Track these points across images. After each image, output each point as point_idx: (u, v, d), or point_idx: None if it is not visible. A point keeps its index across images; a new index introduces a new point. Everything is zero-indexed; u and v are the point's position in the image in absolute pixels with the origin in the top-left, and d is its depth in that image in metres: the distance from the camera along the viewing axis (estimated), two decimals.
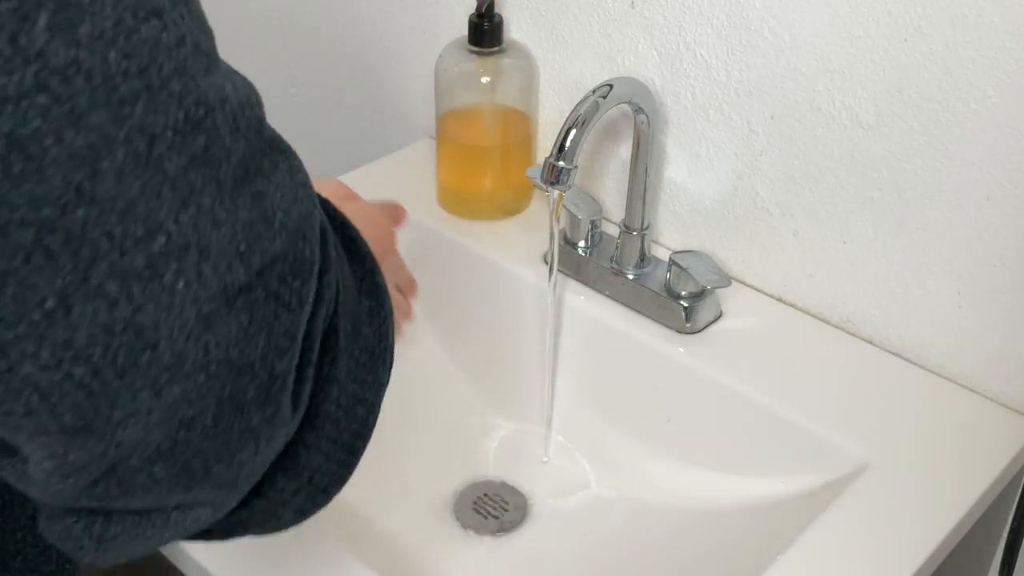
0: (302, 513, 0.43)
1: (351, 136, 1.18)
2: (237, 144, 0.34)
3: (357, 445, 0.43)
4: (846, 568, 0.63)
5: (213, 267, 0.33)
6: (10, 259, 0.29)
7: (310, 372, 0.38)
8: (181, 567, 0.66)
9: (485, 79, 0.91)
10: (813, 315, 0.84)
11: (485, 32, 0.89)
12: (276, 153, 0.37)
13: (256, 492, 0.39)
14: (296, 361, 0.37)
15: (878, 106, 0.73)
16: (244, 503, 0.39)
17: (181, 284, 0.32)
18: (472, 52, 0.90)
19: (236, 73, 0.36)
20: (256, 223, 0.34)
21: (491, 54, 0.90)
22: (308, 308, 0.37)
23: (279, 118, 1.34)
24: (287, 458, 0.39)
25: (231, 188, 0.34)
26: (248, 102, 0.35)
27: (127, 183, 0.30)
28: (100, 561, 0.38)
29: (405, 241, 0.95)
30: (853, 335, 0.82)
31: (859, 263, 0.79)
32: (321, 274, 0.38)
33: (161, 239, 0.31)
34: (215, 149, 0.33)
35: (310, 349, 0.38)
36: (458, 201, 0.96)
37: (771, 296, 0.86)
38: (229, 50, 1.25)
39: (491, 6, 0.88)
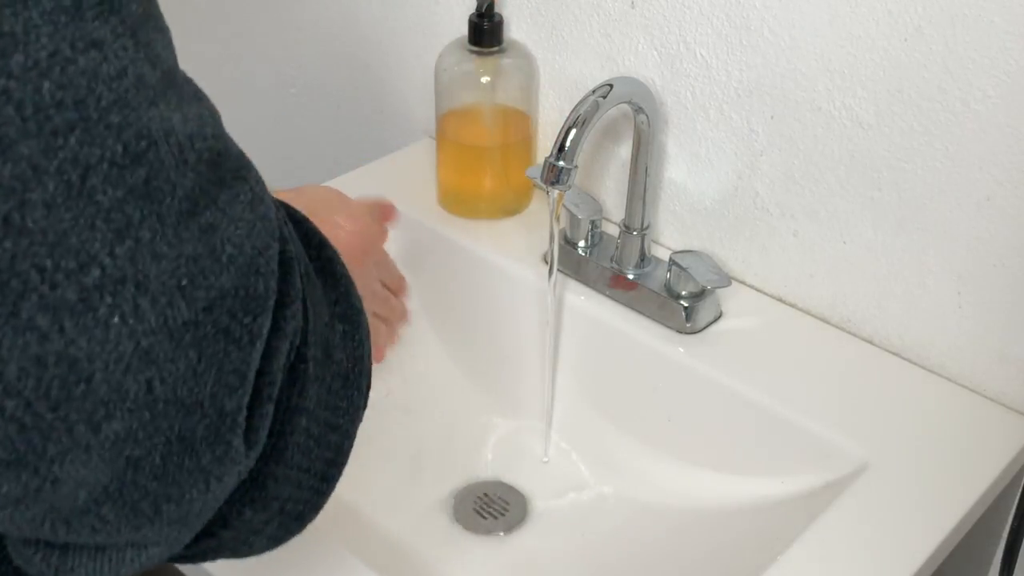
0: (275, 540, 0.42)
1: (351, 136, 1.18)
2: (184, 177, 0.33)
3: (331, 472, 0.42)
4: (846, 568, 0.63)
5: (151, 301, 0.32)
6: None
7: (270, 408, 0.37)
8: (181, 567, 0.66)
9: (485, 79, 0.91)
10: (813, 315, 0.84)
11: (485, 32, 0.89)
12: (237, 183, 0.36)
13: (223, 523, 0.39)
14: (247, 399, 0.36)
15: (878, 106, 0.73)
16: (211, 534, 0.39)
17: (116, 318, 0.31)
18: (472, 52, 0.90)
19: (194, 101, 0.35)
20: (202, 258, 0.33)
21: (491, 54, 0.90)
22: (261, 344, 0.36)
23: (279, 118, 1.35)
24: (254, 490, 0.39)
25: (175, 222, 0.33)
26: (199, 134, 0.34)
27: (57, 215, 0.30)
28: None
29: (405, 241, 0.96)
30: (853, 335, 0.82)
31: (859, 263, 0.79)
32: (283, 307, 0.37)
33: (95, 272, 0.31)
34: (158, 182, 0.32)
35: (271, 384, 0.37)
36: (458, 201, 0.96)
37: (771, 296, 0.86)
38: (229, 50, 1.26)
39: (491, 6, 0.88)
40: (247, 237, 0.35)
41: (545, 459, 0.87)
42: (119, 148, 0.31)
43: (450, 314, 0.94)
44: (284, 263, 0.38)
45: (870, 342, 0.81)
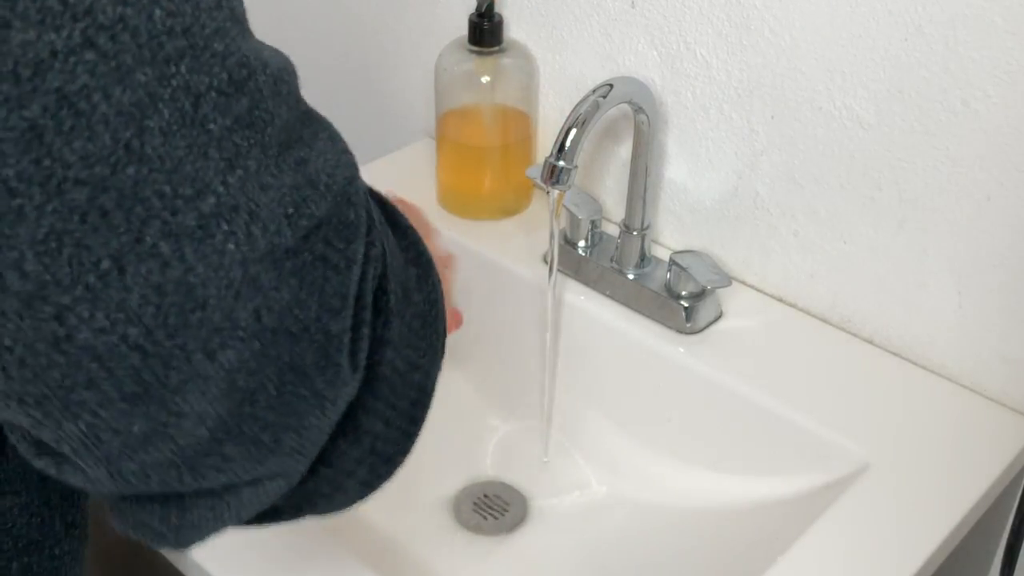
0: (367, 485, 0.43)
1: (351, 136, 1.17)
2: (280, 109, 0.34)
3: (417, 413, 0.43)
4: (846, 568, 0.63)
5: (263, 229, 0.33)
6: (67, 219, 0.29)
7: (365, 331, 0.38)
8: (181, 567, 0.66)
9: (485, 79, 0.91)
10: (813, 315, 0.84)
11: (485, 32, 0.89)
12: (314, 123, 0.37)
13: (321, 460, 0.39)
14: (350, 321, 0.36)
15: (878, 106, 0.73)
16: (311, 472, 0.39)
17: (231, 245, 0.32)
18: (472, 52, 0.90)
19: (267, 45, 0.36)
20: (302, 187, 0.34)
21: (491, 54, 0.90)
22: (357, 269, 0.36)
23: None
24: (348, 423, 0.39)
25: (276, 153, 0.34)
26: (286, 67, 0.36)
27: (174, 142, 0.30)
28: (178, 546, 0.38)
29: None
30: (853, 335, 0.82)
31: (859, 263, 0.79)
32: (367, 233, 0.38)
33: (211, 199, 0.31)
34: (259, 112, 0.33)
35: (363, 308, 0.37)
36: (458, 201, 0.96)
37: (771, 296, 0.86)
38: None
39: (491, 6, 0.88)
40: (336, 167, 0.36)
41: (545, 459, 0.87)
42: (225, 76, 0.32)
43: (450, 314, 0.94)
44: (365, 195, 0.39)
45: (870, 342, 0.81)
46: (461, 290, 0.93)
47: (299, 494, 0.40)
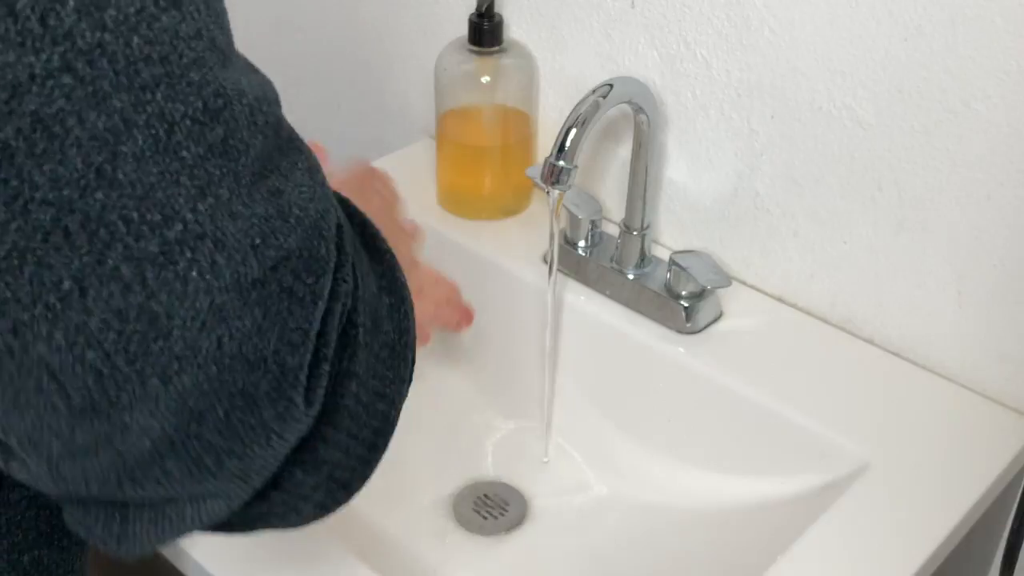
0: (323, 508, 0.43)
1: (351, 136, 1.18)
2: (255, 139, 0.34)
3: (378, 442, 0.43)
4: (846, 568, 0.63)
5: (227, 259, 0.33)
6: (30, 238, 0.30)
7: (326, 367, 0.38)
8: (181, 567, 0.66)
9: (485, 79, 0.91)
10: (813, 315, 0.84)
11: (485, 32, 0.89)
12: (294, 152, 0.37)
13: (275, 485, 0.39)
14: (309, 357, 0.37)
15: (878, 106, 0.73)
16: (263, 496, 0.39)
17: (195, 273, 0.32)
18: (472, 52, 0.90)
19: (253, 70, 0.37)
20: (272, 218, 0.34)
21: (491, 54, 0.90)
22: (323, 304, 0.37)
23: None
24: (306, 452, 0.39)
25: (248, 182, 0.34)
26: (265, 98, 0.36)
27: (146, 168, 0.31)
28: (122, 553, 0.38)
29: None
30: (853, 335, 0.82)
31: (859, 263, 0.79)
32: (337, 269, 0.38)
33: (178, 227, 0.32)
34: (233, 141, 0.33)
35: (326, 344, 0.38)
36: (458, 201, 0.96)
37: (771, 296, 0.86)
38: None
39: (491, 6, 0.88)
40: (310, 201, 0.36)
41: (545, 459, 0.87)
42: (200, 104, 0.32)
43: None
44: (337, 228, 0.39)
45: (870, 342, 0.81)
46: (462, 290, 0.93)
47: (250, 513, 0.40)
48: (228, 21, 0.36)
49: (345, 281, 0.38)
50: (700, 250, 0.85)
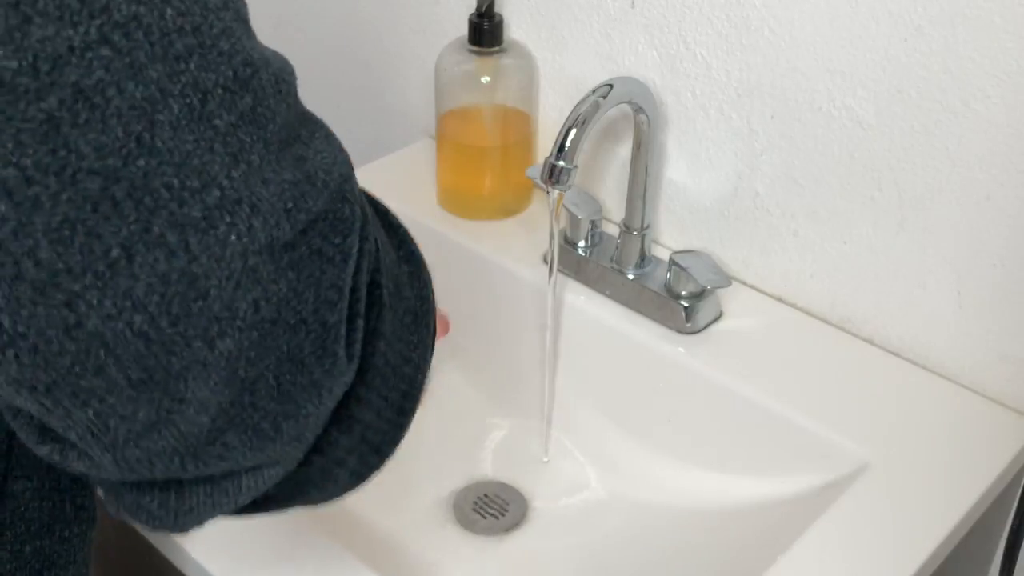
0: (357, 475, 0.44)
1: (351, 136, 1.17)
2: (280, 107, 0.35)
3: (407, 405, 0.44)
4: (846, 568, 0.63)
5: (263, 222, 0.34)
6: (80, 208, 0.30)
7: (360, 322, 0.39)
8: (181, 567, 0.66)
9: (485, 79, 0.91)
10: (813, 315, 0.84)
11: (485, 32, 0.89)
12: (311, 123, 0.38)
13: (314, 448, 0.40)
14: (346, 312, 0.37)
15: (878, 106, 0.73)
16: (304, 461, 0.40)
17: (233, 236, 0.33)
18: (472, 52, 0.90)
19: (267, 48, 0.37)
20: (300, 183, 0.35)
21: (491, 54, 0.90)
22: (352, 263, 0.37)
23: None
24: (341, 410, 0.40)
25: (277, 149, 0.35)
26: (285, 68, 0.37)
27: (182, 136, 0.32)
28: (175, 531, 0.39)
29: None
30: (853, 335, 0.82)
31: (859, 263, 0.79)
32: (361, 228, 0.39)
33: (216, 192, 0.32)
34: (261, 109, 0.34)
35: (358, 300, 0.38)
36: (458, 201, 0.96)
37: (771, 296, 0.86)
38: None
39: (491, 6, 0.88)
40: (333, 165, 0.37)
41: (545, 459, 0.87)
42: (230, 73, 0.33)
43: (450, 314, 0.93)
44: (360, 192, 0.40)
45: (870, 342, 0.81)
46: (462, 290, 0.93)
47: (292, 483, 0.41)
48: None
49: (368, 240, 0.39)
50: (700, 250, 0.85)
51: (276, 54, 0.37)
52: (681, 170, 0.86)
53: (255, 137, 0.34)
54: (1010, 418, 0.75)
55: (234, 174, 0.33)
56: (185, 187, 0.32)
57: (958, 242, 0.73)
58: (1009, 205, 0.70)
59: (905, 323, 0.79)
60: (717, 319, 0.83)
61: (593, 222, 0.87)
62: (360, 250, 0.38)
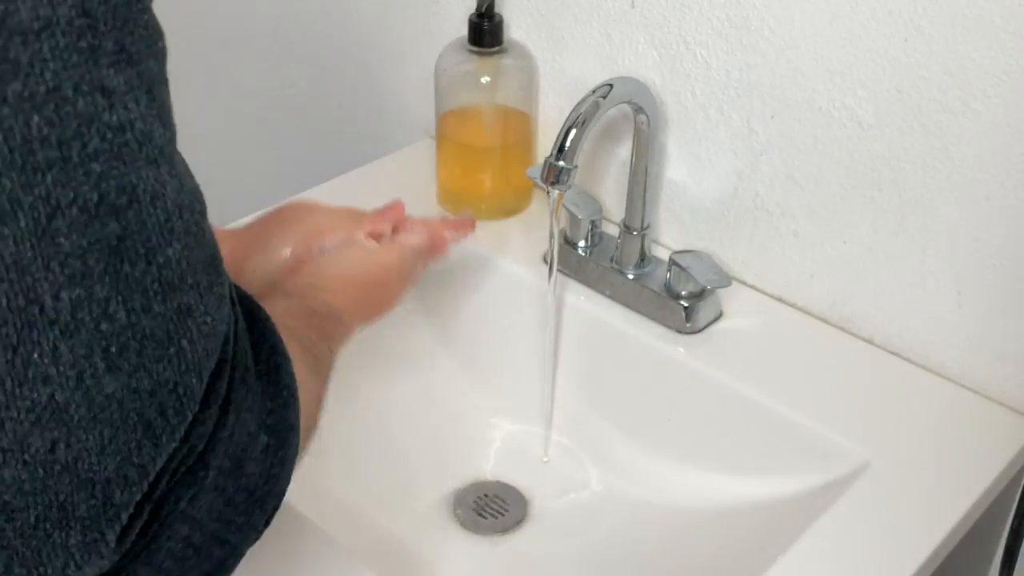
0: None
1: (351, 136, 1.18)
2: (168, 246, 0.33)
3: None
4: (846, 568, 0.63)
5: (72, 352, 0.31)
6: None
7: (147, 508, 0.35)
8: None
9: (485, 79, 0.91)
10: (813, 315, 0.84)
11: (485, 32, 0.89)
12: (214, 272, 0.36)
13: None
14: (138, 497, 0.34)
15: (878, 106, 0.73)
16: None
17: (36, 355, 0.31)
18: (472, 52, 0.90)
19: (188, 176, 0.35)
20: (153, 337, 0.33)
21: (491, 54, 0.90)
22: (173, 447, 0.35)
23: (279, 118, 1.35)
24: None
25: (143, 289, 0.32)
26: (190, 206, 0.34)
27: (22, 251, 0.30)
28: None
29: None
30: (853, 335, 0.82)
31: (859, 263, 0.79)
32: (200, 409, 0.36)
33: (34, 310, 0.30)
34: (132, 242, 0.32)
35: (155, 487, 0.35)
36: (458, 201, 0.96)
37: (771, 296, 0.86)
38: (229, 50, 1.26)
39: (491, 6, 0.88)
40: (206, 336, 0.35)
41: (545, 459, 0.87)
42: (94, 197, 0.31)
43: (450, 314, 0.94)
44: (219, 363, 0.37)
45: (870, 342, 0.81)
46: (462, 290, 0.93)
47: None
48: (172, 116, 0.34)
49: (202, 423, 0.36)
50: (700, 250, 0.85)
51: (189, 186, 0.35)
52: (681, 170, 0.86)
53: (111, 268, 0.31)
54: (1009, 418, 0.75)
55: (63, 296, 0.31)
56: (11, 303, 0.30)
57: (958, 242, 0.73)
58: (1009, 205, 0.70)
59: (905, 323, 0.79)
60: (717, 319, 0.83)
61: (593, 222, 0.87)
62: (187, 433, 0.35)
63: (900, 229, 0.76)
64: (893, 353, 0.80)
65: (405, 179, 1.01)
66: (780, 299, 0.85)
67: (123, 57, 0.31)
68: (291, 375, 0.43)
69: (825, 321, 0.83)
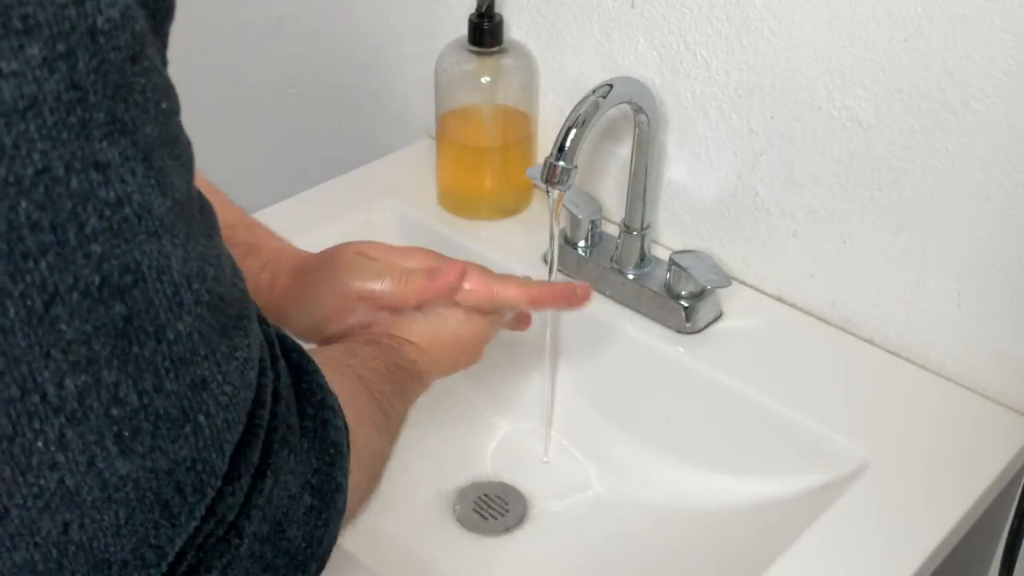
0: None
1: (351, 136, 1.18)
2: (179, 321, 0.31)
3: None
4: (846, 568, 0.63)
5: (81, 438, 0.30)
6: None
7: None
8: None
9: (485, 79, 0.91)
10: (813, 315, 0.84)
11: (485, 32, 0.89)
12: (238, 335, 0.34)
13: None
14: (165, 570, 0.33)
15: (878, 106, 0.73)
16: None
17: (40, 444, 0.29)
18: (472, 52, 0.90)
19: (203, 237, 0.33)
20: (167, 417, 0.31)
21: (491, 54, 0.90)
22: (194, 525, 0.33)
23: (279, 118, 1.35)
24: None
25: (155, 368, 0.31)
26: (199, 274, 0.32)
27: (13, 341, 0.28)
28: None
29: (405, 242, 0.95)
30: (853, 335, 0.82)
31: (859, 263, 0.79)
32: (226, 482, 0.34)
33: (34, 398, 0.29)
34: (140, 322, 0.30)
35: (179, 562, 0.34)
36: (458, 201, 0.96)
37: (771, 296, 0.86)
38: (229, 50, 1.26)
39: (491, 6, 0.88)
40: (226, 408, 0.33)
41: (545, 459, 0.87)
42: (95, 279, 0.29)
43: None
44: (249, 429, 0.35)
45: (870, 342, 0.81)
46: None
47: None
48: (185, 170, 0.33)
49: (232, 495, 0.35)
50: (700, 250, 0.85)
51: (203, 252, 0.33)
52: (681, 170, 0.86)
53: (119, 352, 0.30)
54: (1010, 418, 0.75)
55: (68, 383, 0.29)
56: (1, 394, 0.28)
57: (958, 242, 0.73)
58: (1009, 205, 0.70)
59: (905, 323, 0.79)
60: (717, 319, 0.83)
61: (593, 222, 0.87)
62: (212, 508, 0.33)
63: (900, 229, 0.76)
64: (893, 353, 0.80)
65: (405, 179, 1.01)
66: (780, 299, 0.85)
67: (116, 127, 0.29)
68: (339, 430, 0.41)
69: (825, 321, 0.83)
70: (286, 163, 1.25)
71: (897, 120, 0.73)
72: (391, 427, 0.53)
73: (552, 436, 0.87)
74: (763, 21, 0.76)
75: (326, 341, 0.65)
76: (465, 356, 0.67)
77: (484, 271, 0.67)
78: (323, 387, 0.41)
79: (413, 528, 0.81)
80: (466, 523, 0.82)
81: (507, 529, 0.82)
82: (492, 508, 0.83)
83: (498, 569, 0.79)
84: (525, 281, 0.69)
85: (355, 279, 0.65)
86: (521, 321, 0.73)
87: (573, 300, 0.69)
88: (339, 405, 0.42)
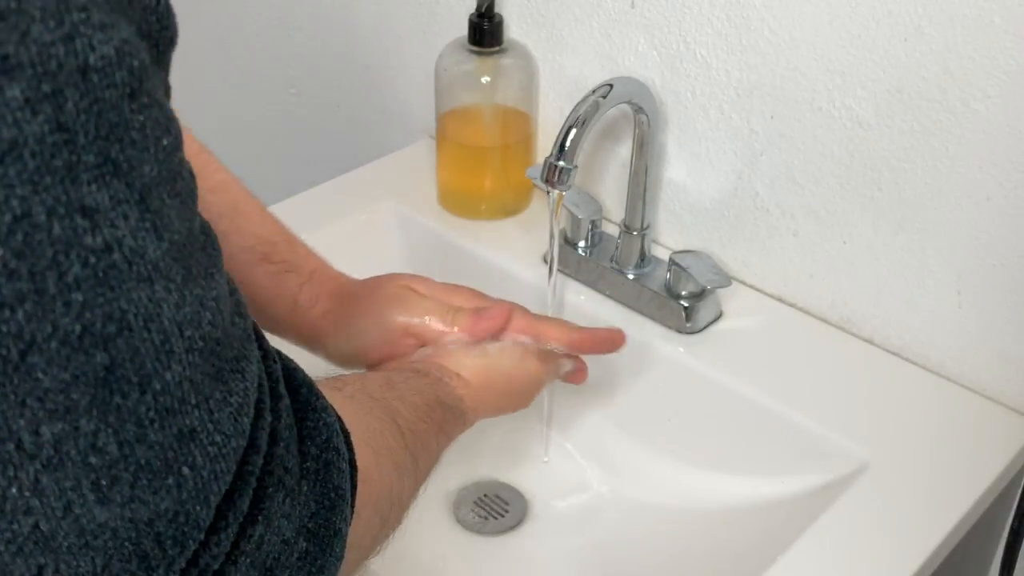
0: None
1: (351, 136, 1.18)
2: (167, 370, 0.30)
3: None
4: (846, 568, 0.63)
5: (60, 488, 0.29)
6: None
7: None
8: None
9: (485, 79, 0.91)
10: (813, 315, 0.84)
11: (485, 32, 0.89)
12: (234, 379, 0.33)
13: None
14: None
15: (878, 106, 0.73)
16: None
17: (14, 490, 0.28)
18: (472, 52, 0.90)
19: (205, 278, 0.32)
20: (149, 467, 0.30)
21: (491, 54, 0.90)
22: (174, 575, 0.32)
23: (279, 118, 1.35)
24: None
25: (137, 419, 0.30)
26: (194, 320, 0.31)
27: None
28: None
29: (405, 242, 0.96)
30: (853, 335, 0.82)
31: (859, 263, 0.79)
32: (210, 532, 0.33)
33: (9, 446, 0.28)
34: (124, 371, 0.29)
35: None
36: (458, 201, 0.96)
37: (771, 296, 0.86)
38: (229, 50, 1.26)
39: (491, 6, 0.88)
40: (214, 458, 0.32)
41: (545, 459, 0.87)
42: (76, 328, 0.28)
43: None
44: (240, 476, 0.34)
45: (870, 342, 0.81)
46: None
47: None
48: (187, 207, 0.31)
49: (216, 544, 0.33)
50: (700, 250, 0.85)
51: (202, 295, 0.31)
52: (681, 170, 0.86)
53: (99, 401, 0.29)
54: (1010, 418, 0.75)
55: (44, 431, 0.28)
56: None
57: (958, 242, 0.73)
58: (1009, 205, 0.70)
59: (905, 323, 0.79)
60: (717, 319, 0.83)
61: (593, 222, 0.87)
62: (193, 559, 0.32)
63: (900, 229, 0.76)
64: (893, 353, 0.80)
65: (405, 179, 1.01)
66: (780, 299, 0.85)
67: (108, 169, 0.28)
68: (343, 472, 0.40)
69: (825, 321, 0.83)
70: (286, 163, 1.25)
71: (897, 120, 0.73)
72: (418, 469, 0.51)
73: (552, 436, 0.87)
74: (763, 21, 0.76)
75: (367, 367, 0.64)
76: (514, 399, 0.66)
77: (528, 313, 0.67)
78: (330, 426, 0.40)
79: (413, 528, 0.81)
80: (466, 523, 0.82)
81: (507, 529, 0.82)
82: (492, 508, 0.83)
83: (498, 569, 0.79)
84: (568, 325, 0.69)
85: (400, 314, 0.65)
86: (579, 373, 0.71)
87: (611, 347, 0.71)
88: (347, 445, 0.41)
